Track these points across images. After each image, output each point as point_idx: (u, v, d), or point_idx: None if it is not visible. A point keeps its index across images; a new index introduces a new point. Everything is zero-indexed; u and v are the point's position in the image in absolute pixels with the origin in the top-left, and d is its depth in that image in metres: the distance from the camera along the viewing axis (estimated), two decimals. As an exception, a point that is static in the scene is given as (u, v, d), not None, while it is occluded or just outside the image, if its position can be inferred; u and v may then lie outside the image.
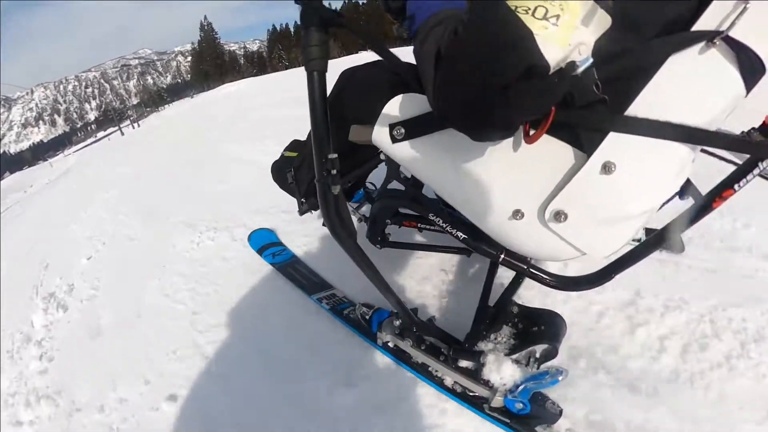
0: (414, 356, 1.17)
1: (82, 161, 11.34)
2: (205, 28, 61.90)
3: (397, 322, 1.18)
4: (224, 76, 50.20)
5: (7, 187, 17.68)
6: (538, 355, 0.95)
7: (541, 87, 0.51)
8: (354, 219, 1.15)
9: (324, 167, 0.75)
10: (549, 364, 0.94)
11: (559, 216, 0.67)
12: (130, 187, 4.19)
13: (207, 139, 5.31)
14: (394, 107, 0.76)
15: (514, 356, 0.98)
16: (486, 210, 0.75)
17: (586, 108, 0.61)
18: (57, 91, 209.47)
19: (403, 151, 0.77)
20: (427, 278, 1.43)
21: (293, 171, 1.17)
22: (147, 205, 3.25)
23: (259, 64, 65.99)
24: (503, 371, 0.96)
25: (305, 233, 1.89)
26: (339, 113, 0.85)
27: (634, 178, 0.65)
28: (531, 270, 0.84)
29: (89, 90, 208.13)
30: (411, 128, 0.74)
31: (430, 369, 1.14)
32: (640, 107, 0.61)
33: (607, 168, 0.63)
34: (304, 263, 1.74)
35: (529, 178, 0.69)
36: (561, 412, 0.96)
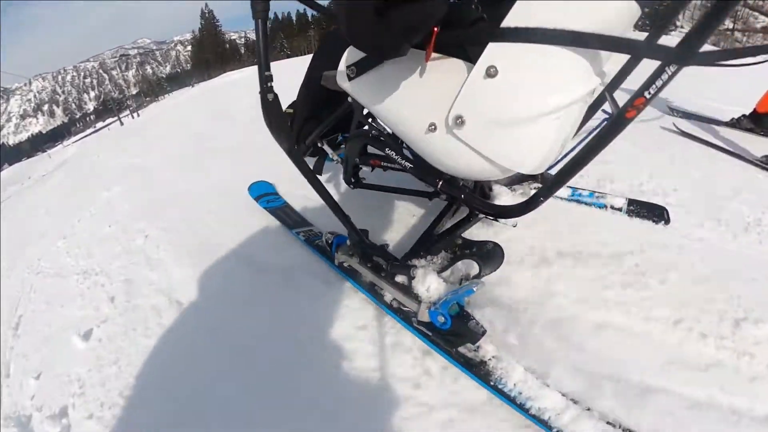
0: (363, 274, 1.34)
1: (79, 152, 11.10)
2: (206, 15, 61.15)
3: (349, 243, 1.38)
4: (225, 65, 49.67)
5: (6, 178, 17.33)
6: (462, 272, 1.10)
7: (416, 10, 0.64)
8: (335, 162, 1.47)
9: (264, 82, 0.96)
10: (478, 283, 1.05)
11: (459, 121, 0.78)
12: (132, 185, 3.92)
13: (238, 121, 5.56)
14: (348, 55, 0.93)
15: (442, 273, 1.12)
16: (411, 127, 0.87)
17: (469, 26, 0.79)
18: (55, 82, 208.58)
19: (356, 87, 0.94)
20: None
21: (290, 124, 1.34)
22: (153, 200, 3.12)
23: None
24: (428, 283, 1.08)
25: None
26: (318, 76, 1.14)
27: (517, 80, 0.73)
28: (466, 197, 0.98)
29: (88, 80, 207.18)
30: (359, 67, 0.90)
31: (375, 287, 1.30)
32: (515, 17, 0.69)
33: (489, 72, 0.73)
34: (292, 208, 2.12)
35: (434, 93, 0.81)
36: (484, 332, 1.04)
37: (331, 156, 1.48)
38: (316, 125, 1.34)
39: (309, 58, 1.14)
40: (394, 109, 0.90)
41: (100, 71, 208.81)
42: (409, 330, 1.16)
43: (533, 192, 0.88)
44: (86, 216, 3.43)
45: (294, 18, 66.64)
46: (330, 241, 1.49)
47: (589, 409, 0.95)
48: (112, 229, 2.84)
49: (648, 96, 0.70)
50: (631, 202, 1.84)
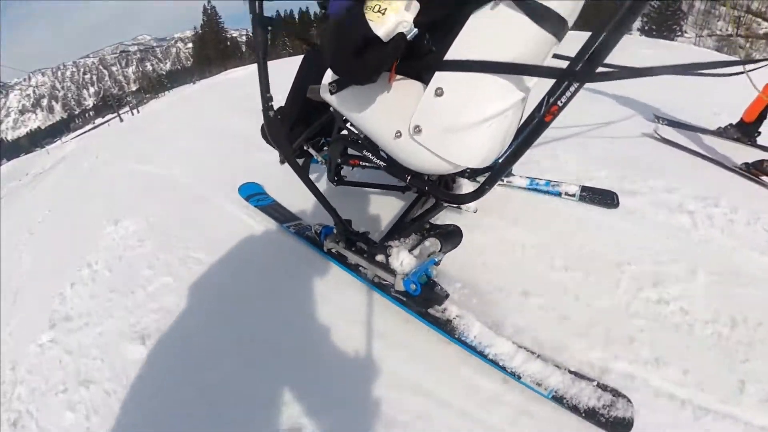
0: (349, 258, 1.57)
1: (78, 149, 10.96)
2: (209, 12, 60.98)
3: (336, 231, 1.60)
4: (226, 62, 49.53)
5: (4, 174, 17.16)
6: (428, 248, 1.30)
7: (381, 50, 0.90)
8: (320, 163, 1.71)
9: (265, 102, 1.27)
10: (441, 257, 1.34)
11: (417, 129, 1.03)
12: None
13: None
14: (330, 74, 1.11)
15: (412, 251, 1.32)
16: (381, 134, 1.12)
17: (422, 57, 1.00)
18: (55, 78, 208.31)
19: (336, 100, 1.18)
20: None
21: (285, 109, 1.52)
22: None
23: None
24: (401, 258, 1.29)
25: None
26: (304, 87, 1.34)
27: (459, 97, 0.98)
28: (430, 188, 1.26)
29: (87, 76, 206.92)
30: (339, 84, 1.08)
31: (360, 267, 1.54)
32: (455, 51, 0.95)
33: (438, 92, 0.99)
34: (281, 205, 2.33)
35: (398, 107, 1.06)
36: (447, 295, 1.31)
37: (315, 157, 1.70)
38: (303, 130, 1.59)
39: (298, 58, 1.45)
40: (368, 119, 1.15)
41: (100, 67, 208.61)
42: (388, 299, 1.44)
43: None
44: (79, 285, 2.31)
45: (296, 16, 66.53)
46: (318, 231, 1.75)
47: (534, 353, 1.23)
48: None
49: (560, 104, 0.93)
50: (584, 189, 2.09)
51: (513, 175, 2.21)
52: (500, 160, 1.09)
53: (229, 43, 65.06)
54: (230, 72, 19.55)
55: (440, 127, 1.02)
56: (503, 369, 1.18)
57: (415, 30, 0.91)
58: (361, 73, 0.98)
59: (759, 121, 2.85)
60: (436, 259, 1.31)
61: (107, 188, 4.05)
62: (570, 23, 1.01)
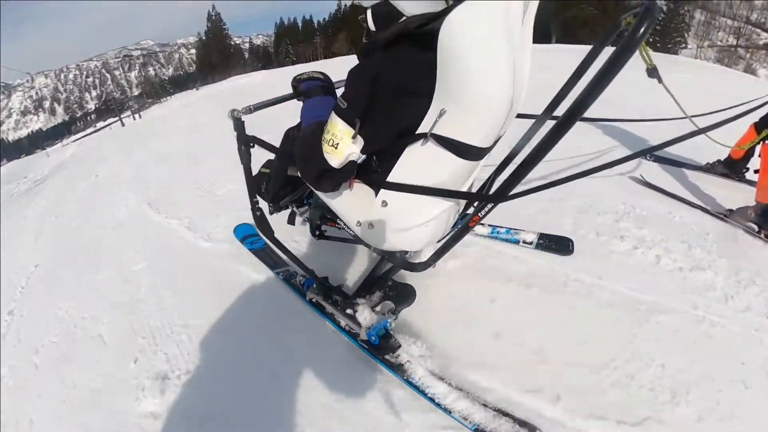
0: (326, 307, 1.82)
1: (78, 154, 10.82)
2: (213, 18, 61.33)
3: (315, 285, 1.87)
4: (230, 69, 49.65)
5: (4, 175, 16.99)
6: (385, 308, 1.60)
7: (336, 175, 1.20)
8: (300, 220, 1.96)
9: (253, 204, 1.64)
10: (398, 313, 1.65)
11: (371, 225, 1.33)
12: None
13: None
14: None
15: (375, 307, 1.64)
16: (346, 219, 1.43)
17: (371, 175, 1.28)
18: (58, 80, 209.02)
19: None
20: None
21: (265, 183, 1.73)
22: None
23: (264, 59, 65.50)
24: (365, 314, 1.61)
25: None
26: (286, 161, 1.58)
27: (400, 207, 1.26)
28: (388, 256, 1.50)
29: (90, 79, 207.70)
30: None
31: (335, 316, 1.79)
32: (395, 175, 1.20)
33: (383, 203, 1.27)
34: (272, 249, 2.40)
35: (357, 204, 1.35)
36: (399, 345, 1.61)
37: (299, 215, 1.95)
38: (289, 192, 1.80)
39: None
40: (336, 207, 1.44)
41: (103, 71, 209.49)
42: (355, 344, 1.70)
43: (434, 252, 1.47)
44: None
45: (300, 24, 66.94)
46: (302, 282, 1.99)
47: (464, 391, 1.49)
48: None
49: (481, 216, 1.28)
50: (541, 236, 2.22)
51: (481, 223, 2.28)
52: (445, 240, 1.44)
53: (232, 50, 65.23)
54: (235, 79, 19.53)
55: (387, 228, 1.32)
56: (438, 405, 1.45)
57: (363, 156, 1.25)
58: (324, 189, 1.33)
59: (746, 157, 2.88)
60: (389, 320, 1.60)
61: (95, 238, 3.63)
62: (490, 145, 1.20)
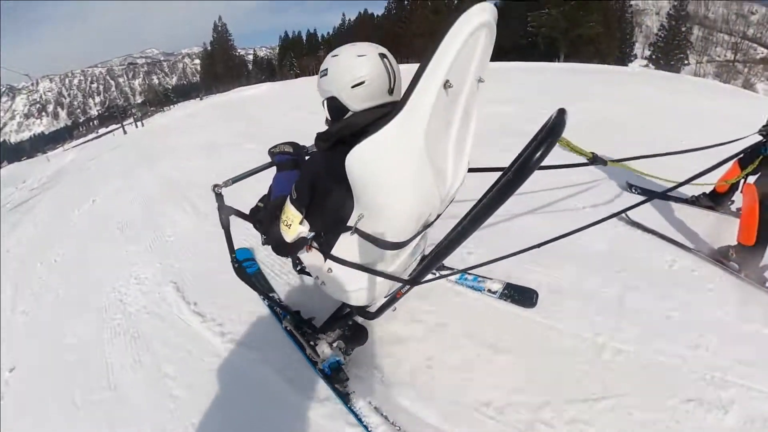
0: (297, 336, 2.04)
1: (77, 160, 10.73)
2: (219, 29, 61.94)
3: (290, 316, 2.08)
4: (234, 80, 50.03)
5: (4, 177, 16.93)
6: (340, 345, 1.90)
7: (290, 247, 1.50)
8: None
9: (233, 258, 1.83)
10: (351, 352, 1.95)
11: (322, 282, 1.65)
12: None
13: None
14: None
15: (332, 343, 1.90)
16: (311, 272, 1.72)
17: (321, 245, 1.56)
18: (62, 84, 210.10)
19: None
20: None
21: (259, 216, 1.86)
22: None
23: (268, 71, 66.04)
24: (323, 348, 1.89)
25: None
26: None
27: (342, 275, 1.54)
28: (344, 303, 1.77)
29: (94, 85, 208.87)
30: None
31: (302, 345, 2.03)
32: (335, 250, 1.48)
33: (330, 268, 1.54)
34: (263, 274, 2.75)
35: (314, 265, 1.62)
36: (347, 378, 1.88)
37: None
38: None
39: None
40: (303, 261, 1.76)
41: (107, 77, 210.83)
42: (314, 371, 1.97)
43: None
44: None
45: (304, 37, 67.66)
46: (281, 313, 2.23)
47: (395, 425, 1.71)
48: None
49: (403, 291, 1.75)
50: (507, 286, 2.29)
51: (445, 267, 2.38)
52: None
53: (236, 61, 65.74)
54: (240, 90, 19.67)
55: (334, 287, 1.64)
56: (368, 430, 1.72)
57: (312, 234, 1.57)
58: (281, 255, 1.67)
59: (731, 191, 2.96)
60: (338, 358, 1.90)
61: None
62: (409, 237, 1.45)
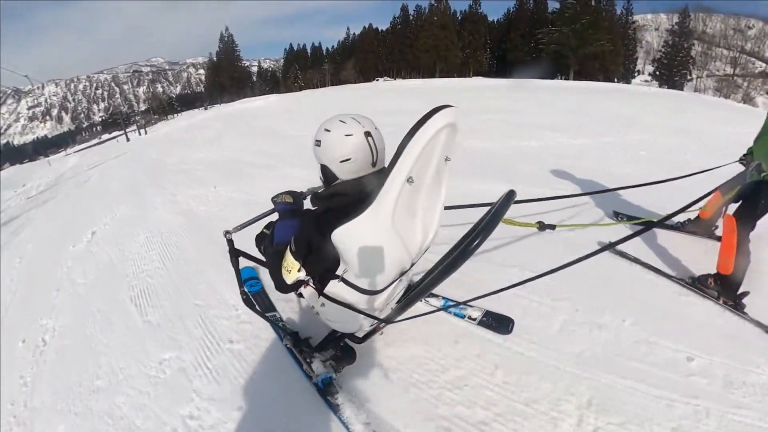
0: (296, 353, 2.24)
1: (77, 167, 10.67)
2: (225, 39, 62.69)
3: (289, 336, 2.28)
4: (239, 91, 50.45)
5: (4, 179, 16.88)
6: (333, 363, 2.07)
7: (290, 287, 1.74)
8: None
9: (242, 291, 1.99)
10: (341, 370, 2.09)
11: (318, 313, 1.86)
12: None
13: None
14: None
15: (325, 361, 2.08)
16: (311, 304, 1.90)
17: (316, 284, 1.79)
18: (67, 89, 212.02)
19: None
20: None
21: (264, 242, 2.07)
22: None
23: (272, 82, 66.65)
24: (317, 366, 2.07)
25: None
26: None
27: (332, 309, 1.74)
28: (339, 331, 1.99)
29: (99, 91, 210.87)
30: None
31: (300, 362, 2.21)
32: (328, 289, 1.71)
33: (322, 303, 1.77)
34: (267, 294, 2.78)
35: (310, 299, 1.86)
36: (338, 391, 2.01)
37: None
38: None
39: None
40: (303, 294, 1.92)
41: (112, 84, 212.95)
42: (309, 384, 2.10)
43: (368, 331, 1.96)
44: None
45: (309, 50, 68.40)
46: (281, 332, 2.42)
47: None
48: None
49: (381, 327, 1.96)
50: (486, 314, 2.42)
51: (433, 295, 2.58)
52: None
53: (242, 72, 66.28)
54: (247, 101, 19.76)
55: (327, 318, 1.86)
56: None
57: (308, 277, 1.75)
58: (283, 292, 1.81)
59: (715, 217, 3.09)
60: (330, 375, 2.05)
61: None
62: (386, 285, 1.69)
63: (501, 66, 50.69)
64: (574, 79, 38.88)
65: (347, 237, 1.48)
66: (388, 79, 50.84)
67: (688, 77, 43.73)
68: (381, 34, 59.88)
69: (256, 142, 9.16)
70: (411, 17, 56.04)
